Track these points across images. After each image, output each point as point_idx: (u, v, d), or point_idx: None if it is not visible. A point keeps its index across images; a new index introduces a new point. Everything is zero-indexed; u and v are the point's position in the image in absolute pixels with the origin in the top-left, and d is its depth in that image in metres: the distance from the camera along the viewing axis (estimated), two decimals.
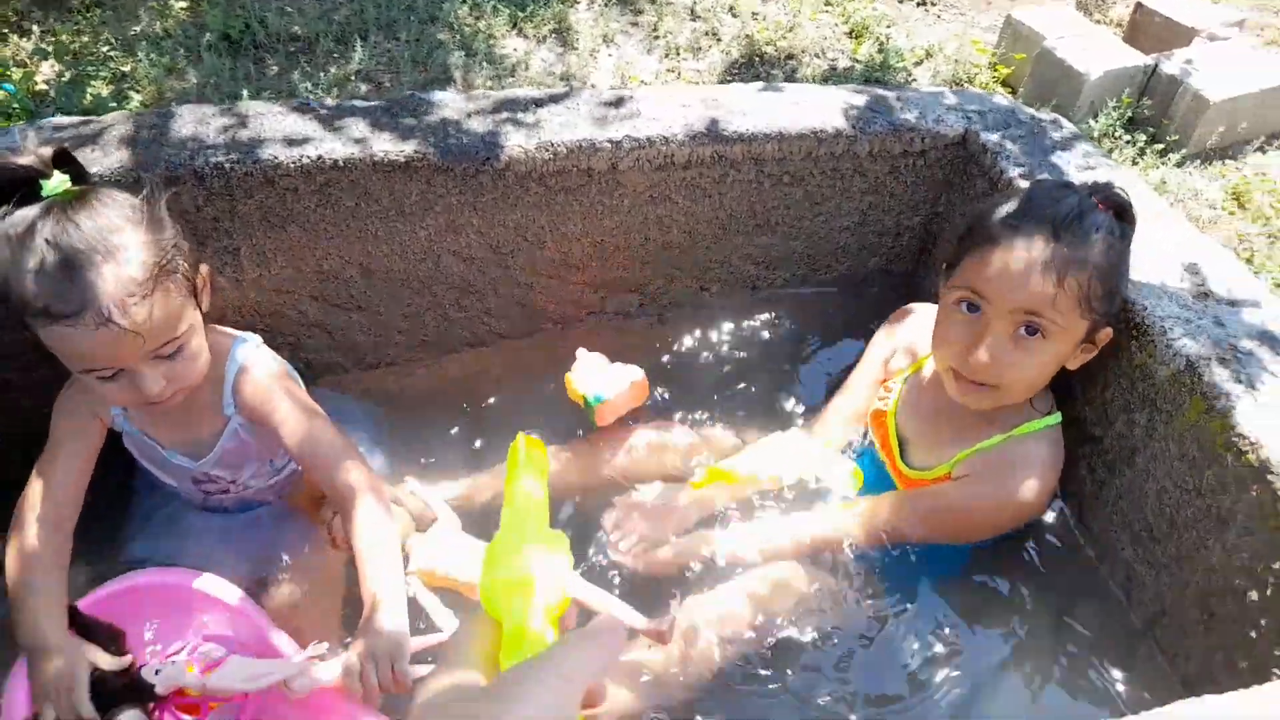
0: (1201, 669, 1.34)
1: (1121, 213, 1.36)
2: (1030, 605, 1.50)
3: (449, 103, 1.67)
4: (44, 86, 2.76)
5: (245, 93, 2.76)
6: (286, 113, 1.61)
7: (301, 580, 1.45)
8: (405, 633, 1.17)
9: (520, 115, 1.65)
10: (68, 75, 2.83)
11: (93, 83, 2.82)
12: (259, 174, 1.52)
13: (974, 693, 1.40)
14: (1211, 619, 1.32)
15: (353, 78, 2.99)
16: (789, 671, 1.39)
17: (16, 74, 2.74)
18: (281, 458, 1.53)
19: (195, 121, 1.57)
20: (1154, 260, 1.50)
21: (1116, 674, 1.42)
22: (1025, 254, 1.29)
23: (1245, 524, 1.26)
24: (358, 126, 1.59)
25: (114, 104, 2.70)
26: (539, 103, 1.69)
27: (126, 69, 2.90)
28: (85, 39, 3.00)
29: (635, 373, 1.60)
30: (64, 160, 1.19)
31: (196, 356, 1.26)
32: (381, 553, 1.24)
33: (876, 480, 1.59)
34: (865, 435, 1.65)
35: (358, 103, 1.66)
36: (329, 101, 1.66)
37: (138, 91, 2.80)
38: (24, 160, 1.14)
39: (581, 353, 1.62)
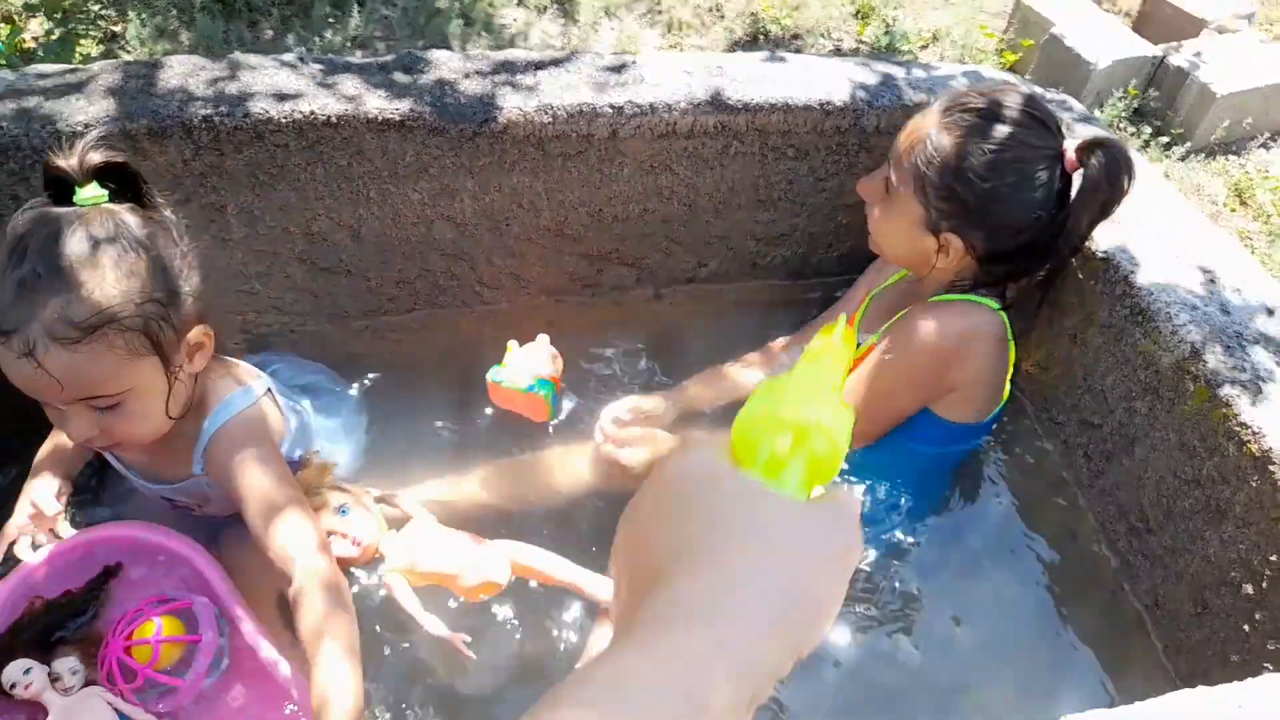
0: (1194, 663, 1.32)
1: (1088, 182, 1.30)
2: (1023, 594, 1.48)
3: (446, 62, 1.63)
4: (32, 45, 2.70)
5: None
6: (279, 67, 1.56)
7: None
8: None
9: (519, 77, 1.61)
10: (57, 34, 2.76)
11: (82, 42, 2.76)
12: (249, 128, 1.48)
13: (963, 683, 1.38)
14: (1205, 612, 1.30)
15: (348, 44, 2.93)
16: None
17: (3, 30, 2.67)
18: None
19: (184, 73, 1.53)
20: (1161, 247, 1.48)
21: (1109, 666, 1.40)
22: (914, 118, 1.39)
23: (1243, 516, 1.24)
24: (352, 83, 1.55)
25: None
26: (539, 65, 1.64)
27: (117, 29, 2.83)
28: None
29: (543, 389, 1.50)
30: (116, 175, 1.11)
31: (139, 419, 1.13)
32: (327, 652, 1.08)
33: None
34: None
35: (352, 59, 1.61)
36: (323, 57, 1.61)
37: (128, 52, 2.73)
38: (61, 162, 1.07)
39: (542, 338, 1.55)
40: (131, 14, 2.82)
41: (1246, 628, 1.25)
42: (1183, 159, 2.96)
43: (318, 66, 1.58)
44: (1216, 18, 3.28)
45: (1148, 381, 1.39)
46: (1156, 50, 3.05)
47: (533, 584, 1.41)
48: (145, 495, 1.37)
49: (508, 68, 1.63)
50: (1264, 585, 1.22)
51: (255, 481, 1.19)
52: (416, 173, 1.60)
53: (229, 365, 1.32)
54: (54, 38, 2.72)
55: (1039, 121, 1.32)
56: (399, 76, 1.58)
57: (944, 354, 1.38)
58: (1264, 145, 3.13)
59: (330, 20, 3.03)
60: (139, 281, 1.07)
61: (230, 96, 1.48)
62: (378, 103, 1.52)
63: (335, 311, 1.77)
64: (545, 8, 3.27)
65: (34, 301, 1.01)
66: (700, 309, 1.90)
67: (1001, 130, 1.31)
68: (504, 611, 1.40)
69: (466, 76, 1.60)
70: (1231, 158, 3.05)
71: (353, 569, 1.36)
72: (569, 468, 1.60)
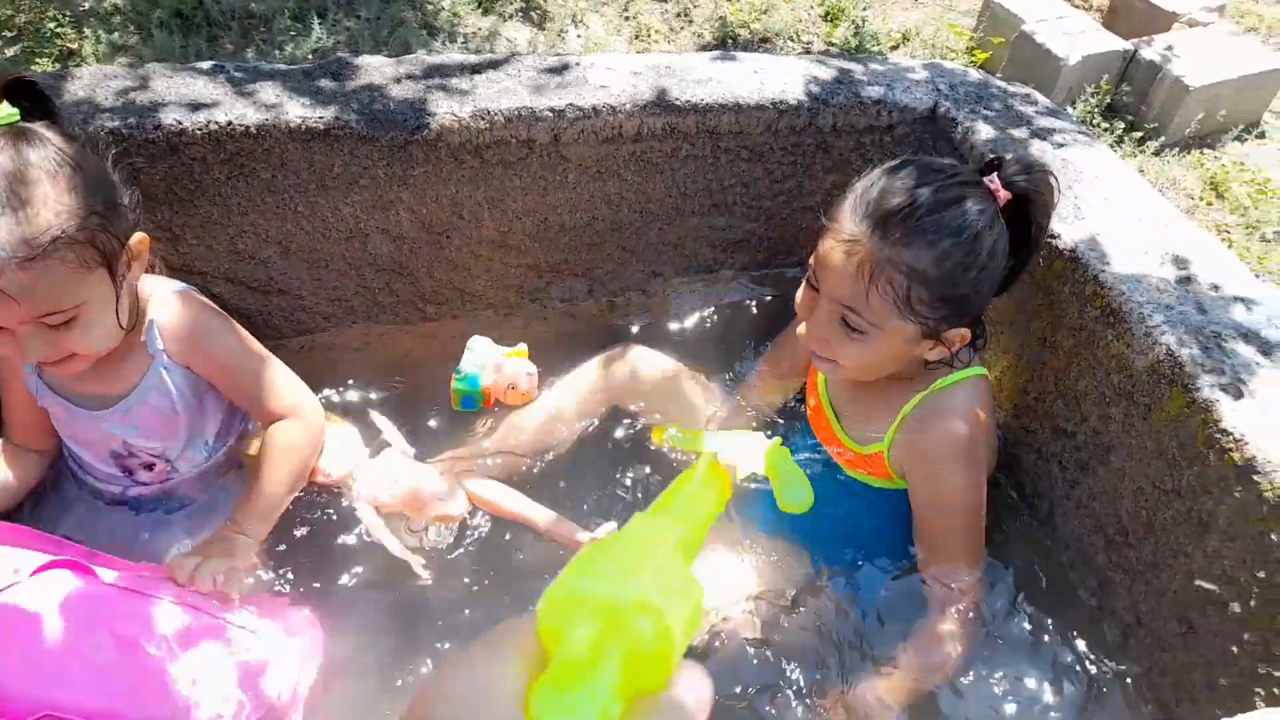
0: (1178, 686, 1.23)
1: (1024, 202, 1.23)
2: (996, 614, 1.39)
3: (375, 67, 1.54)
4: None
5: None
6: (194, 76, 1.47)
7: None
8: (242, 555, 1.25)
9: (453, 81, 1.52)
10: (11, 51, 2.67)
11: (38, 60, 2.66)
12: (162, 141, 1.39)
13: (931, 712, 1.29)
14: (1190, 631, 1.22)
15: (309, 56, 2.84)
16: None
17: None
18: (215, 436, 1.40)
19: (92, 83, 1.43)
20: (1132, 243, 1.40)
21: (1086, 689, 1.32)
22: (844, 247, 1.19)
23: (1227, 529, 1.16)
24: (272, 91, 1.46)
25: None
26: (475, 68, 1.56)
27: (74, 47, 2.74)
28: (31, 14, 2.83)
29: (459, 384, 1.57)
30: (23, 92, 1.12)
31: (93, 331, 1.17)
32: (273, 466, 1.30)
33: (820, 471, 1.49)
34: (801, 433, 1.56)
35: (276, 66, 1.52)
36: (243, 65, 1.52)
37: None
38: None
39: (510, 359, 1.58)
40: (88, 31, 2.73)
41: (1234, 649, 1.16)
42: (1156, 153, 2.90)
43: (237, 74, 1.49)
44: (1187, 11, 3.23)
45: (1121, 386, 1.31)
46: (1128, 45, 3.00)
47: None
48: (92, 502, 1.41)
49: (441, 71, 1.55)
50: (1252, 603, 1.14)
51: (226, 355, 1.34)
52: (347, 184, 1.51)
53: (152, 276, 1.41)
54: (8, 57, 2.62)
55: (958, 180, 1.21)
56: (324, 83, 1.49)
57: (979, 435, 1.33)
58: (1238, 137, 3.07)
59: (292, 33, 2.94)
60: (80, 196, 1.10)
61: (140, 107, 1.39)
62: (300, 111, 1.43)
63: (269, 332, 1.68)
64: (511, 15, 3.19)
65: None
66: (656, 320, 1.81)
67: (951, 214, 1.18)
68: (462, 539, 1.48)
69: (397, 81, 1.52)
70: (1206, 151, 2.99)
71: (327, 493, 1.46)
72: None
